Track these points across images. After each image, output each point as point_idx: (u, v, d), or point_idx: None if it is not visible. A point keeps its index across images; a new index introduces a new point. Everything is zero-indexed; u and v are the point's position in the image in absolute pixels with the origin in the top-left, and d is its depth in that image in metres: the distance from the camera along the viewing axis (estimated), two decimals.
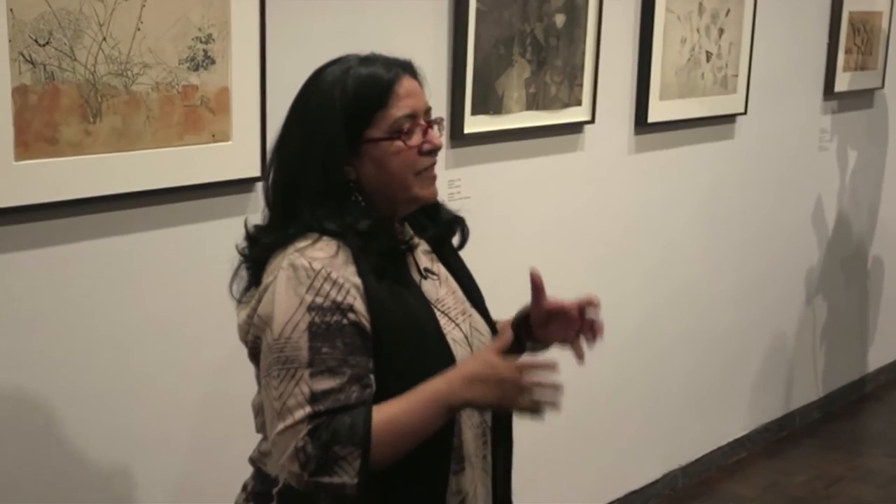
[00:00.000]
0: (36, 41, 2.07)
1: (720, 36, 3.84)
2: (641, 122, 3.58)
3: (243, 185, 2.47)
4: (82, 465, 2.30)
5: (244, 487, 1.87)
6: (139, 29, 2.21)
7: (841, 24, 4.46)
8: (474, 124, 2.98)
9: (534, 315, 1.88)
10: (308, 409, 1.60)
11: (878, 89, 4.86)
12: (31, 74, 2.07)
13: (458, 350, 1.78)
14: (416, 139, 1.75)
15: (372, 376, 1.66)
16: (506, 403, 1.68)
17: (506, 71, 3.04)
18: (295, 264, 1.66)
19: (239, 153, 2.43)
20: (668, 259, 3.87)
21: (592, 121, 3.37)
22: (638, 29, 3.53)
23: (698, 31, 3.73)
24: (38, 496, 2.24)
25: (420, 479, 1.73)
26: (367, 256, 1.70)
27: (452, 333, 1.79)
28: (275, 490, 1.78)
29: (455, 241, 1.96)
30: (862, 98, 4.79)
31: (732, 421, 4.39)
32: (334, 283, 1.65)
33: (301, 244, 1.69)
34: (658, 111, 3.61)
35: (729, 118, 4.01)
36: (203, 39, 2.33)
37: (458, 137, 2.95)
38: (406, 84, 1.75)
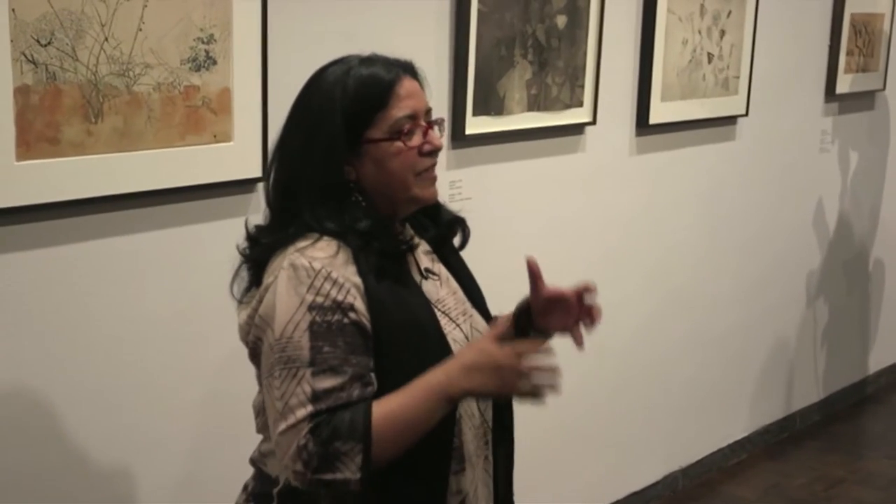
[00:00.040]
0: (38, 41, 2.07)
1: (721, 37, 3.84)
2: (643, 123, 3.58)
3: (244, 185, 2.47)
4: (83, 465, 2.31)
5: (245, 488, 1.87)
6: (141, 29, 2.22)
7: (842, 25, 4.46)
8: (475, 125, 2.98)
9: (534, 304, 1.88)
10: (310, 408, 1.60)
11: (880, 91, 4.86)
12: (32, 75, 2.07)
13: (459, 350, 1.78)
14: (416, 140, 1.75)
15: (373, 375, 1.66)
16: (506, 390, 1.67)
17: (507, 72, 3.05)
18: (295, 264, 1.66)
19: (240, 154, 2.43)
20: (668, 260, 3.87)
21: (594, 122, 3.38)
22: (639, 30, 3.53)
23: (700, 32, 3.73)
24: (39, 496, 2.24)
25: (420, 479, 1.73)
26: (367, 256, 1.71)
27: (453, 334, 1.80)
28: (275, 490, 1.78)
29: (456, 241, 1.96)
30: (863, 100, 4.79)
31: (733, 422, 4.39)
32: (335, 282, 1.66)
33: (301, 244, 1.69)
34: (659, 112, 3.61)
35: (730, 120, 4.01)
36: (205, 40, 2.33)
37: (460, 138, 2.96)
38: (407, 85, 1.76)
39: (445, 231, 1.92)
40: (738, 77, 3.95)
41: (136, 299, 2.34)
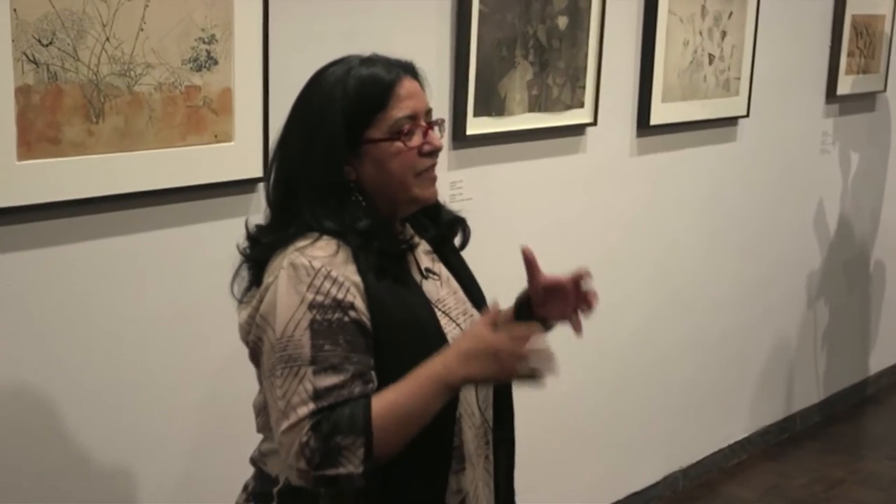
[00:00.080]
0: (39, 41, 2.08)
1: (723, 38, 3.84)
2: (643, 124, 3.58)
3: (245, 185, 2.47)
4: (83, 465, 2.31)
5: (245, 487, 1.88)
6: (142, 29, 2.22)
7: (843, 27, 4.46)
8: (476, 126, 2.98)
9: (532, 294, 1.89)
10: (311, 406, 1.61)
11: (881, 93, 4.86)
12: (34, 74, 2.08)
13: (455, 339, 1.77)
14: (416, 140, 1.76)
15: (373, 373, 1.67)
16: (504, 375, 1.67)
17: (508, 73, 3.05)
18: (295, 263, 1.67)
19: (241, 154, 2.43)
20: (669, 261, 3.87)
21: (595, 123, 3.38)
22: (640, 31, 3.53)
23: (701, 33, 3.74)
24: (39, 496, 2.24)
25: (420, 477, 1.73)
26: (367, 255, 1.71)
27: (453, 333, 1.80)
28: (275, 490, 1.78)
29: (457, 241, 1.96)
30: (864, 101, 4.79)
31: (733, 423, 4.39)
32: (334, 281, 1.66)
33: (301, 243, 1.70)
34: (660, 113, 3.61)
35: (731, 121, 4.01)
36: (206, 40, 2.33)
37: (461, 139, 2.96)
38: (407, 85, 1.76)
39: (446, 231, 1.93)
40: (738, 78, 3.95)
41: (137, 299, 2.34)
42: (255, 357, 1.76)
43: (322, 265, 1.66)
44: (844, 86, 4.54)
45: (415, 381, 1.64)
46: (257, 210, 2.28)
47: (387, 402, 1.63)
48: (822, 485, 4.24)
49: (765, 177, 4.27)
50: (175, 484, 2.47)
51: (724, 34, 3.84)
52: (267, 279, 1.71)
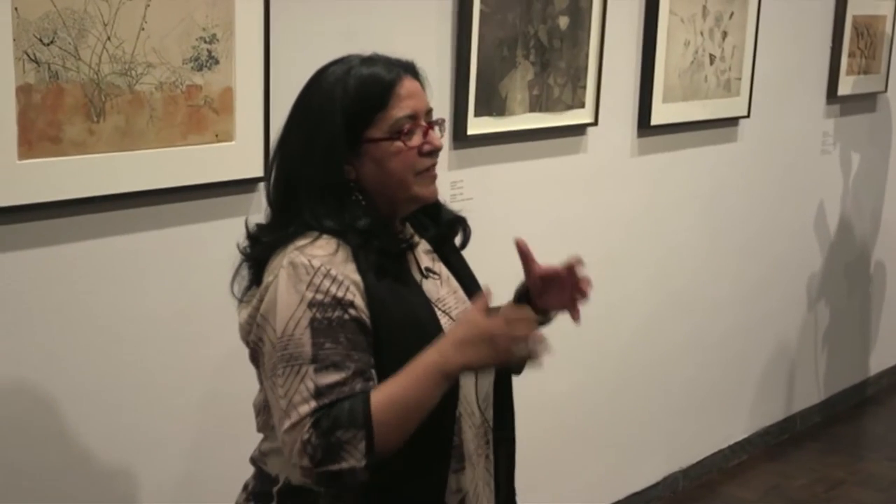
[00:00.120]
0: (40, 40, 2.08)
1: (724, 39, 3.84)
2: (644, 124, 3.58)
3: (246, 185, 2.47)
4: (83, 465, 2.31)
5: (245, 487, 1.88)
6: (143, 29, 2.22)
7: (844, 27, 4.46)
8: (477, 126, 2.98)
9: (530, 285, 1.90)
10: (313, 404, 1.61)
11: (882, 93, 4.86)
12: (35, 73, 2.08)
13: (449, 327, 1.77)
14: (416, 140, 1.76)
15: (373, 371, 1.67)
16: (501, 358, 1.66)
17: (509, 73, 3.05)
18: (294, 262, 1.67)
19: (242, 153, 2.43)
20: (670, 261, 3.87)
21: (595, 123, 3.38)
22: (641, 31, 3.53)
23: (702, 33, 3.73)
24: (39, 495, 2.24)
25: (419, 477, 1.73)
26: (366, 254, 1.71)
27: None
28: (275, 489, 1.78)
29: (457, 241, 1.96)
30: (865, 102, 4.79)
31: (733, 424, 4.39)
32: (334, 279, 1.66)
33: (301, 242, 1.70)
34: (661, 114, 3.61)
35: (732, 121, 4.01)
36: (207, 39, 2.33)
37: (461, 139, 2.96)
38: (407, 85, 1.76)
39: (446, 230, 1.93)
40: (739, 78, 3.95)
41: (137, 299, 2.34)
42: (256, 358, 1.76)
43: (321, 264, 1.66)
44: (845, 86, 4.54)
45: (412, 372, 1.64)
46: (258, 210, 2.28)
47: (386, 395, 1.62)
48: (823, 485, 4.24)
49: (765, 177, 4.27)
50: (175, 484, 2.47)
51: (724, 34, 3.84)
52: (267, 278, 1.71)
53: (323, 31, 2.57)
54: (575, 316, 1.88)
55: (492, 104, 3.01)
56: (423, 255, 1.88)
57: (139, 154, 2.25)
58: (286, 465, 1.72)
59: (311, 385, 1.62)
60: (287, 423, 1.62)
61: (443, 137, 1.81)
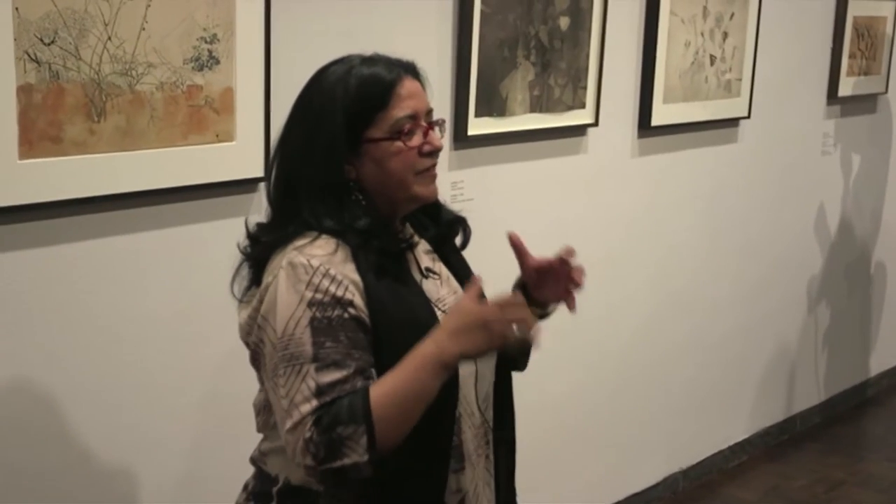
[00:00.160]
0: (41, 40, 2.08)
1: (724, 40, 3.84)
2: (645, 125, 3.58)
3: (247, 185, 2.47)
4: (83, 465, 2.31)
5: (245, 487, 1.88)
6: (144, 28, 2.22)
7: (845, 28, 4.46)
8: (478, 126, 2.98)
9: (526, 279, 1.90)
10: (314, 403, 1.61)
11: (882, 94, 4.86)
12: (35, 73, 2.08)
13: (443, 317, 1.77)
14: (416, 140, 1.76)
15: (373, 370, 1.67)
16: (497, 344, 1.65)
17: (510, 73, 3.05)
18: (294, 262, 1.67)
19: (242, 153, 2.43)
20: (670, 262, 3.87)
21: (596, 124, 3.38)
22: (642, 32, 3.53)
23: (702, 34, 3.74)
24: (39, 495, 2.24)
25: (419, 476, 1.73)
26: (366, 254, 1.71)
27: None
28: (275, 489, 1.78)
29: (457, 241, 1.96)
30: (865, 103, 4.79)
31: (734, 424, 4.39)
32: (333, 279, 1.66)
33: (300, 242, 1.70)
34: (661, 114, 3.61)
35: (732, 122, 4.01)
36: (208, 39, 2.33)
37: (462, 139, 2.96)
38: (408, 85, 1.76)
39: (446, 230, 1.93)
40: (740, 79, 3.95)
41: (137, 299, 2.34)
42: (256, 359, 1.76)
43: (320, 263, 1.67)
44: (846, 87, 4.54)
45: (410, 364, 1.63)
46: (258, 210, 2.28)
47: (385, 389, 1.62)
48: (823, 486, 4.24)
49: (766, 178, 4.27)
50: (175, 484, 2.47)
51: (725, 35, 3.84)
52: (266, 279, 1.71)
53: (323, 31, 2.57)
54: (571, 305, 1.88)
55: (492, 105, 3.01)
56: (423, 255, 1.88)
57: (140, 154, 2.25)
58: (286, 464, 1.72)
59: (312, 384, 1.62)
60: (289, 423, 1.62)
61: (443, 138, 1.81)
